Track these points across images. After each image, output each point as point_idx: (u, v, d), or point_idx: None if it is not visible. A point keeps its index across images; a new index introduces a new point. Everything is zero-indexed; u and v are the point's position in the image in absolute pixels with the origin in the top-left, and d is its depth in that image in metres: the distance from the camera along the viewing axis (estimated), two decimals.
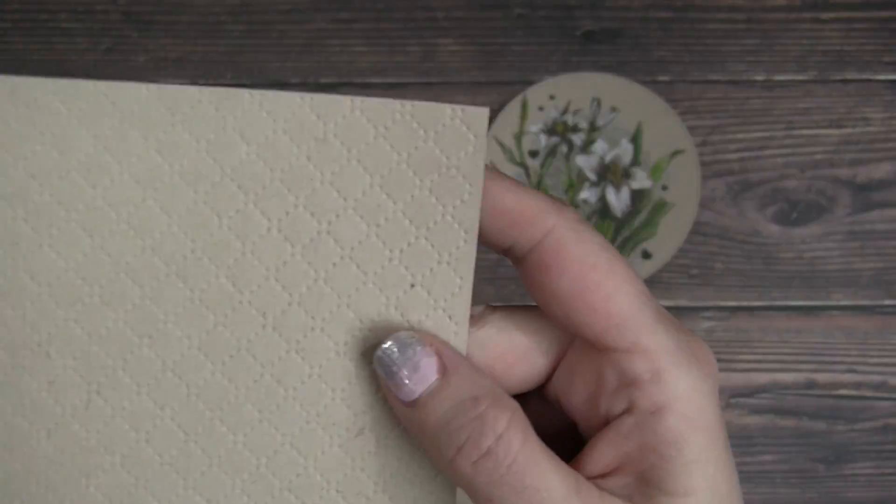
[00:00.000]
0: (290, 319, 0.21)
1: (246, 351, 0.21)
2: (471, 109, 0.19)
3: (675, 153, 0.50)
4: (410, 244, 0.20)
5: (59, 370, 0.21)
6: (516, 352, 0.21)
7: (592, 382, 0.21)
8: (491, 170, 0.20)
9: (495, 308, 0.21)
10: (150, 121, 0.19)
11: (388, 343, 0.20)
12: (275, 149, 0.19)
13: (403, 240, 0.20)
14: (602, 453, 0.20)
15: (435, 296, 0.21)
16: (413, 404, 0.20)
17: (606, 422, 0.21)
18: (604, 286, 0.20)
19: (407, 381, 0.20)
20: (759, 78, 0.51)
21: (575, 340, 0.21)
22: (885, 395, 0.50)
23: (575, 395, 0.21)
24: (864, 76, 0.51)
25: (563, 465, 0.20)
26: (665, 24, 0.51)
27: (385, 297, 0.20)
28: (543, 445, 0.20)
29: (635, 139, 0.51)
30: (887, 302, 0.50)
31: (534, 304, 0.21)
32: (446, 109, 0.19)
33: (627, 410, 0.20)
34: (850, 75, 0.51)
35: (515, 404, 0.20)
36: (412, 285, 0.20)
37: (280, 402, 0.21)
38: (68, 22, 0.52)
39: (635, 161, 0.50)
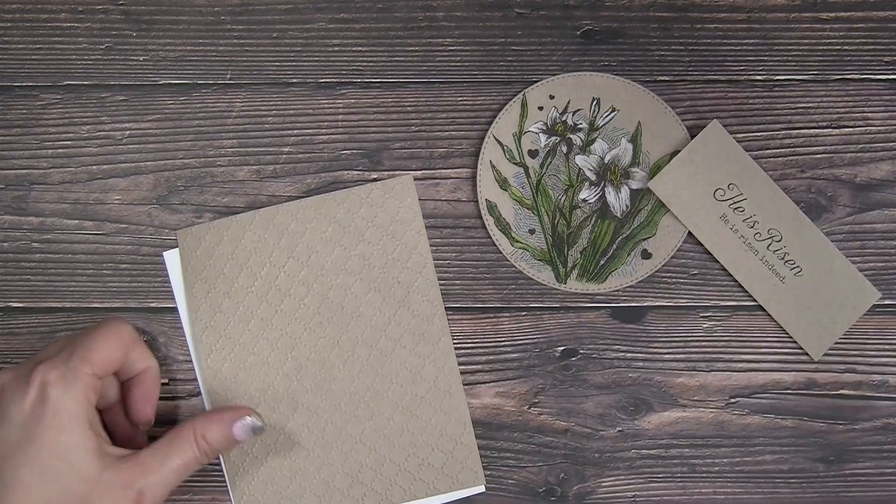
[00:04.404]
0: None
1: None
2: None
3: (675, 153, 0.50)
4: None
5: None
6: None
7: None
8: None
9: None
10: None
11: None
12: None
13: None
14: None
15: None
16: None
17: None
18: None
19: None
20: (759, 78, 0.51)
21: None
22: (885, 395, 0.50)
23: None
24: (864, 76, 0.51)
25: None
26: (665, 24, 0.51)
27: None
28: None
29: (635, 139, 0.50)
30: (887, 302, 0.50)
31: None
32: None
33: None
34: (850, 75, 0.51)
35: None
36: None
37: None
38: (68, 22, 0.52)
39: (635, 161, 0.50)
